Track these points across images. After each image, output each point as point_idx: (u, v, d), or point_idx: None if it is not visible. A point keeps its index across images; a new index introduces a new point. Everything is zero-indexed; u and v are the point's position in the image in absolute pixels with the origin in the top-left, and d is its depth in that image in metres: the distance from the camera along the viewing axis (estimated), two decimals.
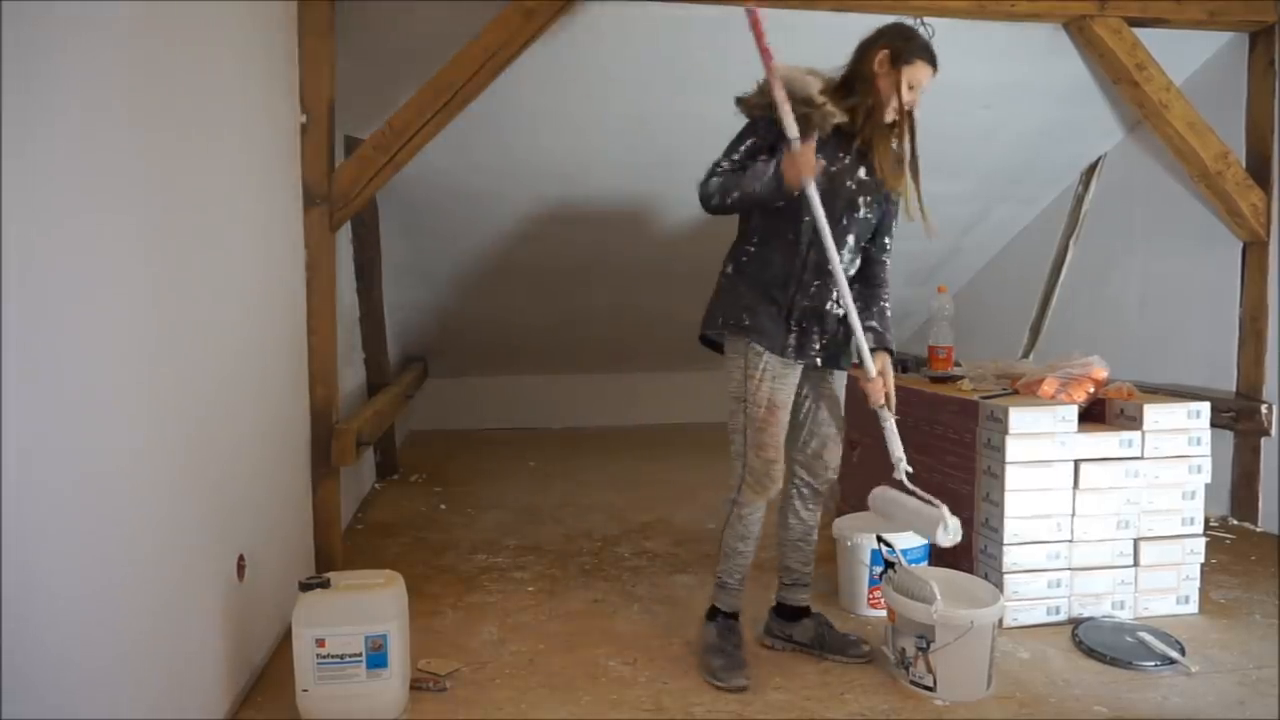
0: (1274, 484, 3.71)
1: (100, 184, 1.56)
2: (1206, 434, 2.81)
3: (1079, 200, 4.77)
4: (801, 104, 2.33)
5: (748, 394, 2.39)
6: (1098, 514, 2.76)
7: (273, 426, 2.64)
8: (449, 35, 3.33)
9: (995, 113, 4.21)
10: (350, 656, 2.12)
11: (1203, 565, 2.85)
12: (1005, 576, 2.72)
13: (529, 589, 3.07)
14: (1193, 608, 2.84)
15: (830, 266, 2.34)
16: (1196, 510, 2.83)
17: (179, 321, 1.89)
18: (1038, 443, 2.72)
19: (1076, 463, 2.73)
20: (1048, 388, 2.87)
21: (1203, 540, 2.84)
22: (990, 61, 3.85)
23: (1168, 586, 2.82)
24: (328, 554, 3.10)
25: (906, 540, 2.73)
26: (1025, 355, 5.05)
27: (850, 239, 2.44)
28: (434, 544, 3.57)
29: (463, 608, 2.90)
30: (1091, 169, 4.67)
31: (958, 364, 3.48)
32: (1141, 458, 2.76)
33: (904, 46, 2.45)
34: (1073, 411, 2.75)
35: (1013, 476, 2.71)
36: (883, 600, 2.52)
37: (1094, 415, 2.89)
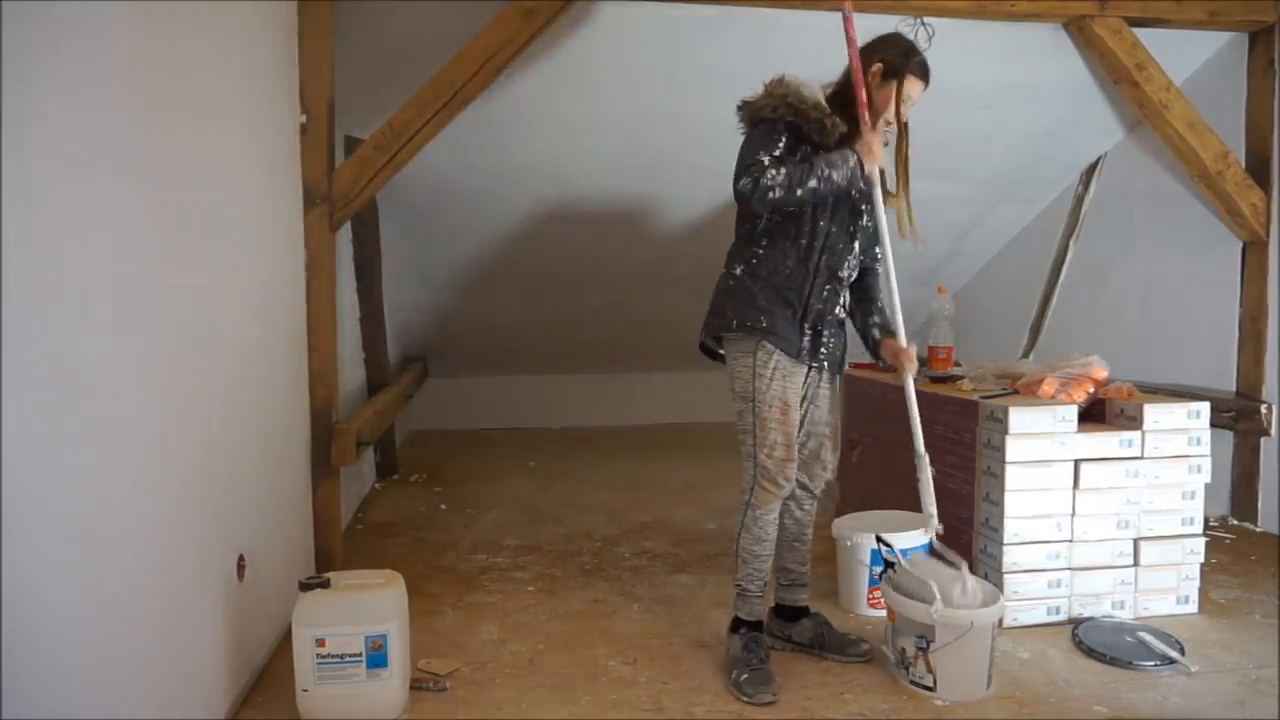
0: (1274, 484, 3.71)
1: (100, 184, 1.56)
2: (1206, 434, 2.81)
3: (1079, 200, 4.77)
4: (814, 110, 2.38)
5: (757, 394, 2.38)
6: (1098, 514, 2.76)
7: (273, 426, 2.64)
8: (449, 35, 3.33)
9: (995, 113, 4.21)
10: (350, 656, 2.12)
11: (1203, 565, 2.85)
12: (1005, 576, 2.72)
13: (529, 589, 3.07)
14: (1192, 608, 2.84)
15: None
16: (1196, 510, 2.83)
17: (178, 321, 1.89)
18: (1038, 443, 2.72)
19: (1076, 463, 2.73)
20: (1048, 388, 2.87)
21: (1202, 540, 2.84)
22: (990, 61, 3.85)
23: (1167, 586, 2.82)
24: (328, 554, 3.10)
25: (906, 540, 2.73)
26: (1025, 355, 5.05)
27: (856, 245, 2.49)
28: (434, 544, 3.57)
29: (463, 608, 2.90)
30: (1091, 169, 4.67)
31: (958, 364, 3.48)
32: (1141, 458, 2.76)
33: (899, 62, 2.49)
34: (1073, 411, 2.75)
35: (1013, 476, 2.71)
36: (883, 600, 2.52)
37: (1094, 415, 2.89)
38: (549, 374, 6.03)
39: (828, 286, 2.42)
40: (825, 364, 2.48)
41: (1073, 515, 2.75)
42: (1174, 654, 2.48)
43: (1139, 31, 3.60)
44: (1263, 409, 3.70)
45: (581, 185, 4.42)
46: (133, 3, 1.69)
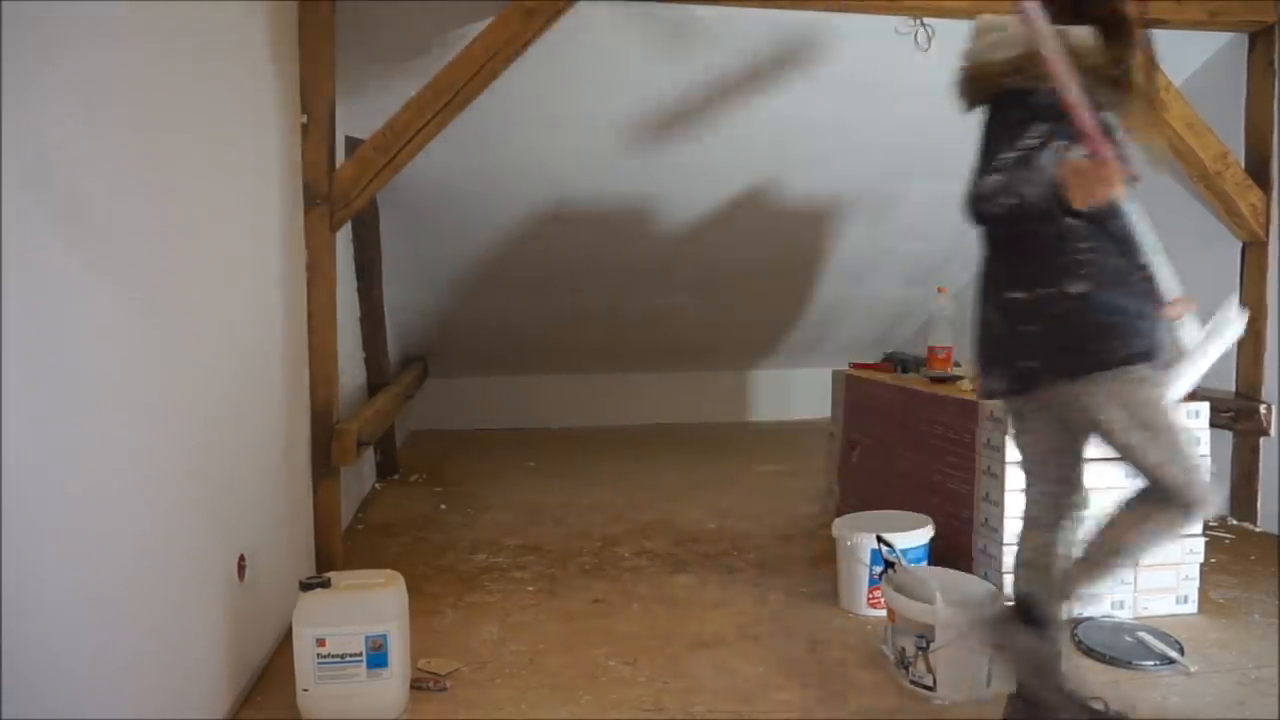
0: (1273, 484, 3.71)
1: (100, 184, 1.56)
2: (1206, 434, 2.81)
3: None
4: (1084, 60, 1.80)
5: (1163, 412, 1.89)
6: (1097, 514, 2.75)
7: (273, 426, 2.65)
8: (449, 35, 3.34)
9: None
10: (350, 656, 2.12)
11: (1202, 565, 2.85)
12: (1005, 576, 2.72)
13: (529, 589, 3.07)
14: (1192, 607, 2.84)
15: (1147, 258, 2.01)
16: None
17: (179, 322, 1.89)
18: None
19: None
20: None
21: (1202, 540, 2.84)
22: None
23: (1167, 586, 2.82)
24: (328, 554, 3.10)
25: (906, 540, 2.73)
26: None
27: None
28: (434, 544, 3.57)
29: (463, 607, 2.90)
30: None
31: (958, 364, 3.48)
32: None
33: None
34: None
35: (1013, 476, 2.71)
36: (883, 600, 2.52)
37: None
38: (548, 374, 6.03)
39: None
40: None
41: None
42: (1173, 654, 2.48)
43: None
44: (1262, 409, 3.70)
45: (581, 185, 4.42)
46: (133, 2, 1.69)
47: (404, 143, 3.13)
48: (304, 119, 2.98)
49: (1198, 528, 2.83)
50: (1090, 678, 2.41)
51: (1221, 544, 3.53)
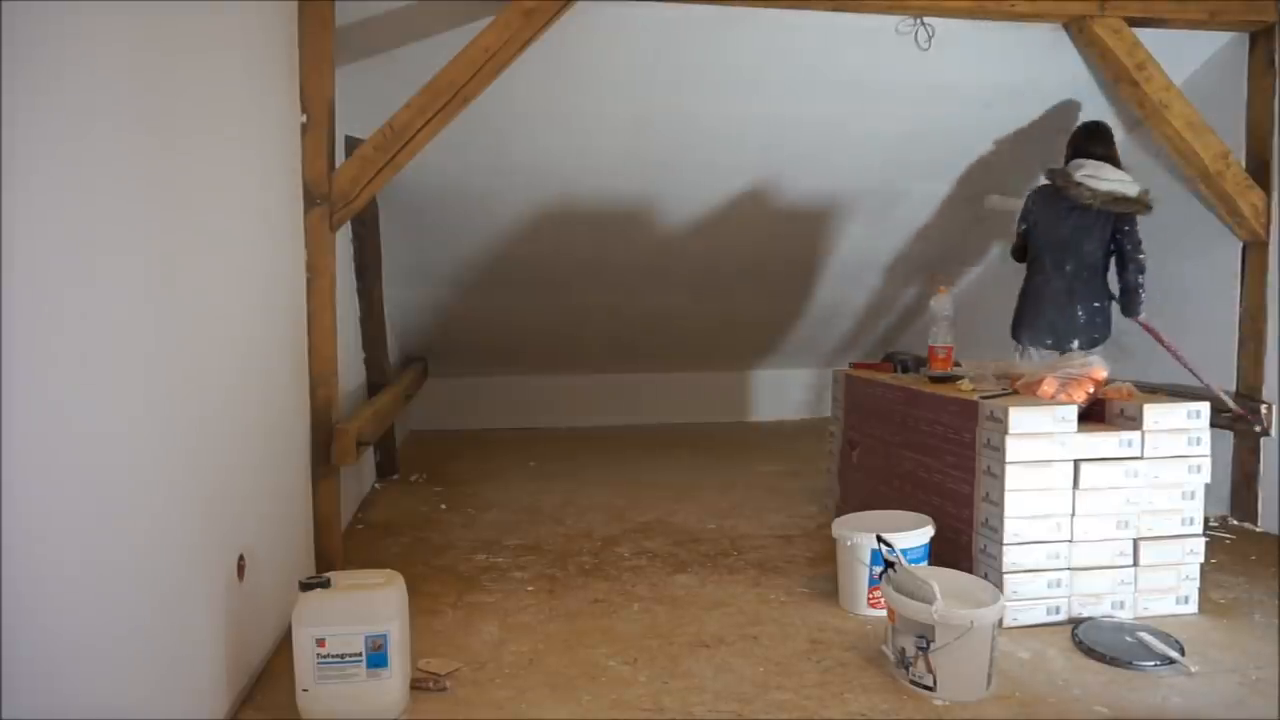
0: (1274, 484, 3.71)
1: (101, 183, 1.56)
2: (1206, 434, 2.81)
3: None
4: None
5: None
6: (1097, 514, 2.76)
7: (273, 426, 2.64)
8: (449, 35, 3.34)
9: (995, 113, 4.21)
10: (350, 656, 2.12)
11: (1202, 565, 2.85)
12: (1005, 576, 2.72)
13: (529, 589, 3.07)
14: (1192, 608, 2.84)
15: None
16: (1196, 510, 2.83)
17: (179, 321, 1.89)
18: (1037, 443, 2.72)
19: (1076, 463, 2.74)
20: (1048, 388, 2.87)
21: (1202, 540, 2.84)
22: (990, 61, 3.85)
23: (1167, 586, 2.82)
24: (328, 554, 3.10)
25: (906, 540, 2.73)
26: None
27: None
28: (434, 544, 3.57)
29: (463, 607, 2.90)
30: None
31: (958, 364, 3.48)
32: (1141, 458, 2.76)
33: None
34: (1072, 411, 2.75)
35: (1013, 476, 2.71)
36: (883, 600, 2.52)
37: (1094, 415, 2.89)
38: (549, 374, 6.03)
39: None
40: None
41: (1072, 515, 2.75)
42: (1174, 654, 2.48)
43: (1139, 31, 3.60)
44: (1262, 409, 3.70)
45: (581, 185, 4.42)
46: (133, 3, 1.69)
47: (404, 143, 3.14)
48: (304, 119, 2.98)
49: (1198, 528, 2.83)
50: (1090, 678, 2.42)
51: (1221, 544, 3.53)
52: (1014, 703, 2.29)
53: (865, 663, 2.50)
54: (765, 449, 5.46)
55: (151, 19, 1.76)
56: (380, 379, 4.39)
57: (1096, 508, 2.76)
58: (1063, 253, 3.78)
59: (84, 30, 1.50)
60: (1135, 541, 2.79)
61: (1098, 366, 2.92)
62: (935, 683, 2.29)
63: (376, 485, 4.55)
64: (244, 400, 2.34)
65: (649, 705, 2.26)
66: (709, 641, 2.64)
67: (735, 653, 2.56)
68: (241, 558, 2.25)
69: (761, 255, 5.09)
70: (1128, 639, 2.60)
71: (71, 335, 1.45)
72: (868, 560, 2.82)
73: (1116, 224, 3.70)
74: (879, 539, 2.64)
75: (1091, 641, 2.58)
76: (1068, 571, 2.75)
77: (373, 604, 2.16)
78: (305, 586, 2.17)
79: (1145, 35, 3.61)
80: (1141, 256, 3.69)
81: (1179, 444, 2.79)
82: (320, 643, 2.11)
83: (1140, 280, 3.70)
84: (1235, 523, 3.82)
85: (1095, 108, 4.23)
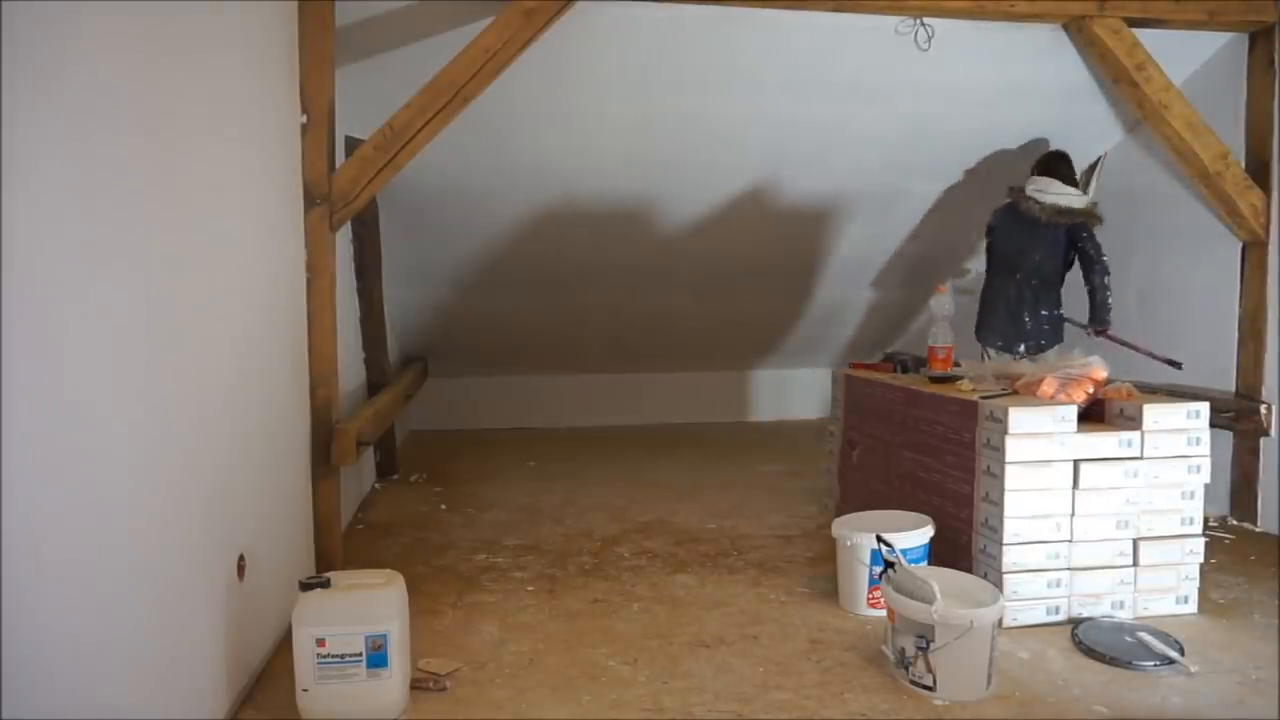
0: (1273, 484, 3.71)
1: (101, 183, 1.56)
2: (1206, 434, 2.81)
3: None
4: None
5: None
6: (1097, 514, 2.76)
7: (273, 426, 2.65)
8: (449, 35, 3.34)
9: (995, 113, 4.21)
10: (350, 656, 2.12)
11: (1202, 565, 2.85)
12: (1005, 576, 2.72)
13: (529, 589, 3.07)
14: (1192, 608, 2.84)
15: None
16: (1196, 510, 2.83)
17: (180, 321, 1.89)
18: (1037, 443, 2.72)
19: (1076, 463, 2.74)
20: (1047, 388, 2.87)
21: (1202, 540, 2.84)
22: (990, 61, 3.86)
23: (1167, 586, 2.82)
24: (328, 554, 3.11)
25: (906, 540, 2.74)
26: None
27: None
28: (434, 544, 3.57)
29: (463, 607, 2.90)
30: (1091, 169, 4.67)
31: (958, 364, 3.48)
32: (1141, 458, 2.77)
33: None
34: (1072, 411, 2.75)
35: (1012, 476, 2.71)
36: (883, 600, 2.52)
37: (1094, 415, 2.89)
38: (548, 374, 6.03)
39: None
40: None
41: (1072, 515, 2.75)
42: (1173, 654, 2.48)
43: (1138, 32, 3.60)
44: (1262, 409, 3.70)
45: (582, 185, 4.42)
46: (133, 3, 1.69)
47: (404, 143, 3.14)
48: (304, 119, 2.98)
49: (1198, 528, 2.83)
50: (1090, 678, 2.42)
51: (1221, 544, 3.53)
52: (1014, 703, 2.29)
53: (865, 663, 2.50)
54: (765, 449, 5.46)
55: (151, 19, 1.76)
56: (380, 379, 4.39)
57: (1096, 508, 2.76)
58: (1014, 263, 4.13)
59: (84, 30, 1.50)
60: (1135, 541, 2.79)
61: (1097, 367, 2.92)
62: (935, 683, 2.29)
63: (376, 485, 4.55)
64: (244, 400, 2.34)
65: (649, 705, 2.26)
66: (709, 641, 2.64)
67: (735, 653, 2.57)
68: (241, 558, 2.25)
69: (762, 255, 5.09)
70: (1127, 639, 2.60)
71: (71, 336, 1.45)
72: (868, 560, 2.82)
73: (1073, 235, 4.00)
74: (879, 539, 2.64)
75: (1091, 641, 2.58)
76: (1067, 571, 2.75)
77: (373, 604, 2.16)
78: (305, 586, 2.17)
79: (1145, 35, 3.61)
80: (1105, 259, 3.98)
81: (1179, 444, 2.79)
82: (320, 643, 2.11)
83: (1106, 282, 4.00)
84: (1235, 523, 3.82)
85: (1095, 108, 4.24)
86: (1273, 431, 3.70)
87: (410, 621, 2.26)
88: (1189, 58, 3.95)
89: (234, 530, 2.22)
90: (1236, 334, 3.87)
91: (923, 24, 3.04)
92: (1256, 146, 3.79)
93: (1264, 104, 3.75)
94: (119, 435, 1.61)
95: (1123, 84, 3.75)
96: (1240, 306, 3.85)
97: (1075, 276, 4.12)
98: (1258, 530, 3.74)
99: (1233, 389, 3.86)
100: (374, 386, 4.34)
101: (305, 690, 2.12)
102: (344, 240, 3.86)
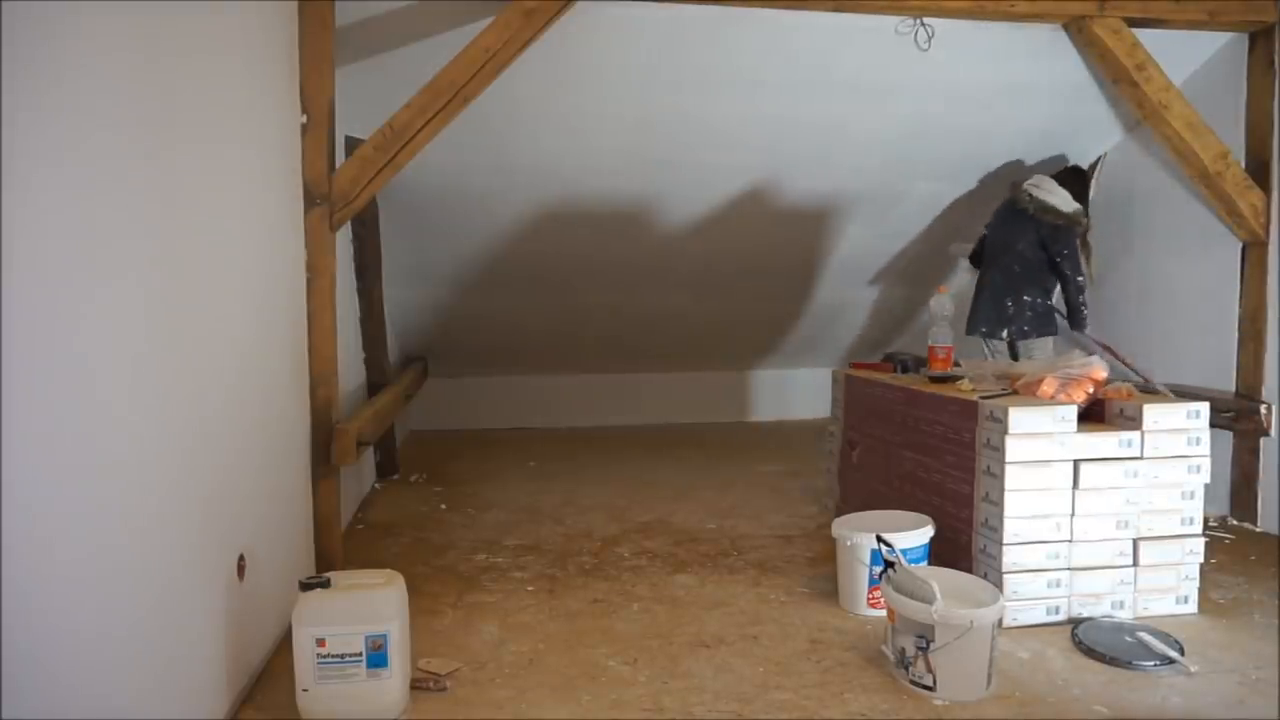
0: (1273, 484, 3.71)
1: (100, 184, 1.56)
2: (1206, 434, 2.81)
3: None
4: None
5: None
6: (1097, 514, 2.76)
7: (273, 426, 2.64)
8: (449, 35, 3.34)
9: (995, 113, 4.21)
10: (350, 656, 2.12)
11: (1202, 565, 2.85)
12: (1005, 576, 2.72)
13: (529, 589, 3.07)
14: (1192, 608, 2.84)
15: None
16: (1196, 510, 2.83)
17: (180, 321, 1.89)
18: (1037, 443, 2.72)
19: (1076, 463, 2.74)
20: (1047, 388, 2.87)
21: (1202, 540, 2.84)
22: (990, 61, 3.86)
23: (1167, 586, 2.82)
24: (328, 554, 3.10)
25: (906, 540, 2.74)
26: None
27: None
28: (434, 544, 3.57)
29: (463, 607, 2.90)
30: (1091, 169, 4.67)
31: (958, 364, 3.48)
32: (1141, 458, 2.76)
33: None
34: (1072, 411, 2.75)
35: (1012, 476, 2.71)
36: (883, 600, 2.52)
37: (1094, 415, 2.89)
38: (548, 374, 6.03)
39: None
40: None
41: (1072, 515, 2.75)
42: (1173, 654, 2.48)
43: (1138, 32, 3.60)
44: (1262, 409, 3.70)
45: (582, 185, 4.42)
46: (133, 3, 1.69)
47: (404, 143, 3.14)
48: (304, 119, 2.98)
49: (1198, 528, 2.83)
50: (1090, 678, 2.42)
51: (1221, 544, 3.53)
52: (1014, 703, 2.29)
53: (865, 663, 2.50)
54: (765, 449, 5.46)
55: (152, 19, 1.76)
56: (380, 379, 4.39)
57: (1096, 508, 2.76)
58: (1001, 251, 4.28)
59: (84, 31, 1.51)
60: (1135, 541, 2.79)
61: (1097, 367, 2.92)
62: (935, 683, 2.29)
63: (376, 485, 4.55)
64: (244, 400, 2.34)
65: (649, 705, 2.26)
66: (709, 641, 2.64)
67: (735, 653, 2.57)
68: (241, 558, 2.25)
69: (762, 255, 5.09)
70: (1127, 639, 2.60)
71: (71, 336, 1.45)
72: (868, 560, 2.82)
73: (1051, 240, 4.12)
74: (879, 539, 2.64)
75: (1091, 641, 2.58)
76: (1067, 571, 2.75)
77: (373, 604, 2.16)
78: (305, 586, 2.17)
79: (1145, 35, 3.61)
80: (1080, 279, 4.17)
81: (1179, 444, 2.79)
82: (320, 643, 2.11)
83: (1081, 300, 4.17)
84: (1235, 523, 3.82)
85: (1095, 108, 4.24)
86: (1273, 431, 3.70)
87: (410, 621, 2.26)
88: (1189, 58, 3.95)
89: (234, 530, 2.22)
90: (1236, 334, 3.87)
91: (923, 24, 3.04)
92: (1256, 146, 3.78)
93: (1264, 104, 3.74)
94: (119, 436, 1.61)
95: (1123, 84, 3.75)
96: (1240, 306, 3.85)
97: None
98: (1258, 530, 3.74)
99: (1233, 389, 3.86)
100: (374, 386, 4.34)
101: (305, 690, 2.12)
102: (344, 240, 3.86)
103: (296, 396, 2.92)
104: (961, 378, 3.18)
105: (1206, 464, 2.81)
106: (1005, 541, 2.72)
